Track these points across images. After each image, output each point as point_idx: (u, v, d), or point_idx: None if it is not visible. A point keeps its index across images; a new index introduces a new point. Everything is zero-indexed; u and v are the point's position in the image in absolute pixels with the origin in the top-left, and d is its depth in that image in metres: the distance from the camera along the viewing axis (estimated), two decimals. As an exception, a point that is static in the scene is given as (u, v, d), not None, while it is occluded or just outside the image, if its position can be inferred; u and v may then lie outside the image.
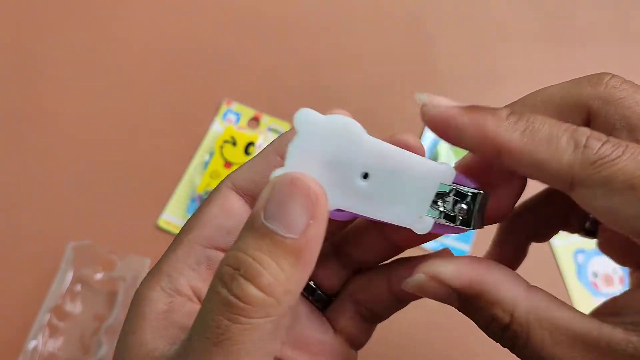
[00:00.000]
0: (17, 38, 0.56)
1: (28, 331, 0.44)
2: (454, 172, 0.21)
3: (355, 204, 0.20)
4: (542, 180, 0.19)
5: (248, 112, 0.52)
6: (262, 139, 0.50)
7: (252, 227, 0.18)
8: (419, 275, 0.20)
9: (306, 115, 0.20)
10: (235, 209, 0.23)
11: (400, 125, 0.51)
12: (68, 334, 0.44)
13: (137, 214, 0.48)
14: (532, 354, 0.19)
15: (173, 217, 0.48)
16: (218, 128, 0.51)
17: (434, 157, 0.50)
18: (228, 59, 0.55)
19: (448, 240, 0.46)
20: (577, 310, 0.19)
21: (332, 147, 0.19)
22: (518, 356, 0.20)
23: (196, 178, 0.49)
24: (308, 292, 0.25)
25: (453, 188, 0.21)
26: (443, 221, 0.21)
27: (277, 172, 0.18)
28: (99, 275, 0.45)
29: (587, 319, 0.19)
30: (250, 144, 0.50)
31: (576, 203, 0.19)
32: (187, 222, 0.23)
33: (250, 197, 0.23)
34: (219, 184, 0.24)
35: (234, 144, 0.50)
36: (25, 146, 0.52)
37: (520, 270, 0.24)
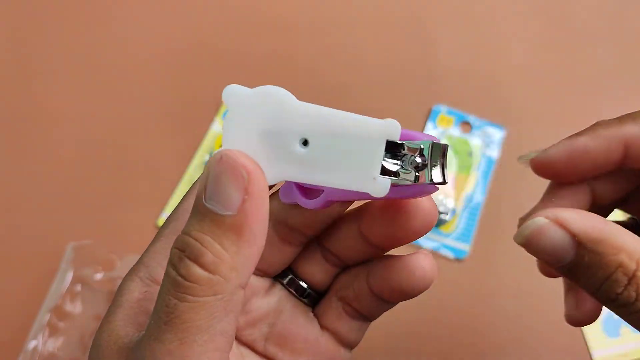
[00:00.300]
0: (17, 38, 0.56)
1: (28, 331, 0.44)
2: (398, 127, 0.19)
3: (299, 172, 0.19)
4: None
5: (248, 112, 0.52)
6: (262, 139, 0.50)
7: (196, 209, 0.18)
8: (539, 219, 0.19)
9: (233, 90, 0.20)
10: None
11: (401, 124, 0.51)
12: (68, 334, 0.44)
13: (137, 214, 0.48)
14: None
15: (173, 217, 0.48)
16: (218, 128, 0.51)
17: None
18: (228, 59, 0.55)
19: (448, 240, 0.46)
20: None
21: (264, 118, 0.19)
22: (631, 318, 0.19)
23: (196, 178, 0.49)
24: (295, 289, 0.25)
25: (402, 143, 0.19)
26: (399, 181, 0.19)
27: (214, 152, 0.18)
28: (99, 275, 0.45)
29: None
30: (250, 144, 0.50)
31: None
32: (167, 218, 0.23)
33: None
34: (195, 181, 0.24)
35: (234, 144, 0.50)
36: (25, 146, 0.52)
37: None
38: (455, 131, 0.51)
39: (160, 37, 0.56)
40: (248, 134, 0.19)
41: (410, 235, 0.22)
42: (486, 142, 0.50)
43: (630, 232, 0.19)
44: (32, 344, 0.43)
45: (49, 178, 0.50)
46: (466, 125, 0.51)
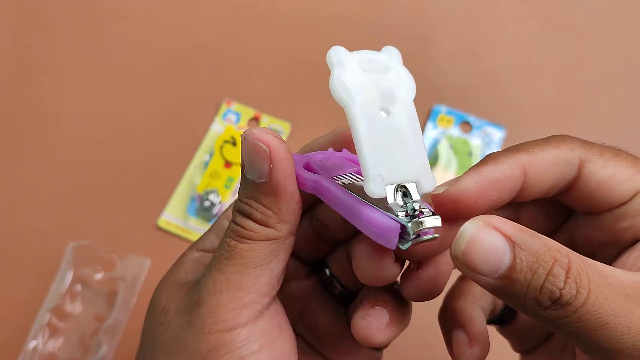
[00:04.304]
0: (17, 38, 0.56)
1: (28, 331, 0.44)
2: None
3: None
4: (557, 178, 0.22)
5: (248, 112, 0.52)
6: (262, 139, 0.50)
7: (242, 181, 0.23)
8: (473, 224, 0.19)
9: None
10: None
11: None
12: (68, 334, 0.44)
13: (137, 214, 0.48)
14: (596, 299, 0.18)
15: (173, 217, 0.48)
16: (218, 128, 0.51)
17: (435, 157, 0.50)
18: (228, 59, 0.55)
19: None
20: (601, 262, 0.19)
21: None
22: (574, 318, 0.18)
23: (196, 178, 0.49)
24: (328, 284, 0.27)
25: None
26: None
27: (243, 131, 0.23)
28: (99, 275, 0.45)
29: (620, 269, 0.20)
30: (250, 144, 0.50)
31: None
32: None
33: None
34: None
35: (234, 144, 0.50)
36: (25, 146, 0.52)
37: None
38: (455, 131, 0.51)
39: (161, 38, 0.56)
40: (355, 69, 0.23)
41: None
42: (486, 142, 0.50)
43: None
44: (32, 344, 0.43)
45: (49, 178, 0.50)
46: (466, 125, 0.51)
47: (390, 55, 0.23)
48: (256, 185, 0.22)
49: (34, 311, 0.44)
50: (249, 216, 0.22)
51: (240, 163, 0.23)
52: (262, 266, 0.22)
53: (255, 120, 0.52)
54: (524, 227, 0.19)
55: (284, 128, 0.51)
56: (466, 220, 0.19)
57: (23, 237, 0.48)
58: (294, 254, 0.26)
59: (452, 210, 0.22)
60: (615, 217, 0.23)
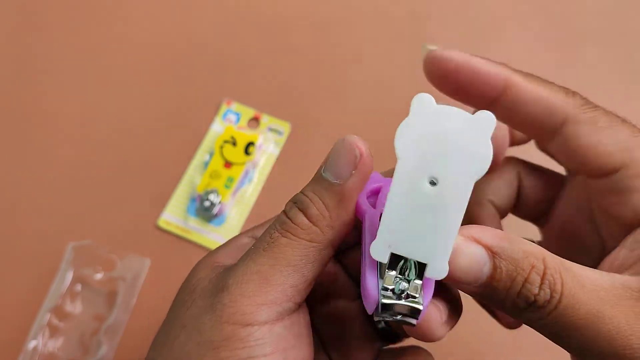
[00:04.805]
0: (17, 38, 0.56)
1: (28, 331, 0.44)
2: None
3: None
4: (537, 116, 0.23)
5: (248, 112, 0.52)
6: (262, 139, 0.50)
7: (314, 177, 0.23)
8: (456, 238, 0.20)
9: (423, 98, 0.21)
10: None
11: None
12: (68, 334, 0.44)
13: (137, 214, 0.48)
14: (568, 303, 0.19)
15: (173, 217, 0.48)
16: (218, 128, 0.51)
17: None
18: (228, 59, 0.55)
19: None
20: (582, 265, 0.20)
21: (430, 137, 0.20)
22: (549, 320, 0.19)
23: (196, 178, 0.49)
24: (374, 320, 0.27)
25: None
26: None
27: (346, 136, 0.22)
28: (99, 275, 0.45)
29: (595, 270, 0.20)
30: (250, 144, 0.50)
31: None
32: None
33: None
34: None
35: (234, 144, 0.50)
36: (25, 146, 0.52)
37: None
38: (455, 131, 0.51)
39: (161, 37, 0.56)
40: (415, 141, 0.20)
41: None
42: (486, 142, 0.50)
43: (525, 239, 0.20)
44: (32, 344, 0.43)
45: (49, 178, 0.50)
46: (466, 125, 0.51)
47: (480, 124, 0.19)
48: (328, 184, 0.22)
49: (34, 311, 0.44)
50: (304, 210, 0.22)
51: (321, 164, 0.23)
52: (295, 266, 0.22)
53: (255, 120, 0.52)
54: (504, 234, 0.20)
55: (284, 128, 0.51)
56: None
57: (23, 237, 0.48)
58: (352, 274, 0.26)
59: (431, 71, 0.24)
60: (597, 188, 0.23)
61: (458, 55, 0.23)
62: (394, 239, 0.19)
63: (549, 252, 0.20)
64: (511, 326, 0.28)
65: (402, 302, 0.20)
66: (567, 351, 0.20)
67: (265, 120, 0.51)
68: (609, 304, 0.19)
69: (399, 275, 0.20)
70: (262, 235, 0.23)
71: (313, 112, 0.52)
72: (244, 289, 0.21)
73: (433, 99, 0.20)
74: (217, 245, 0.27)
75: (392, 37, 0.56)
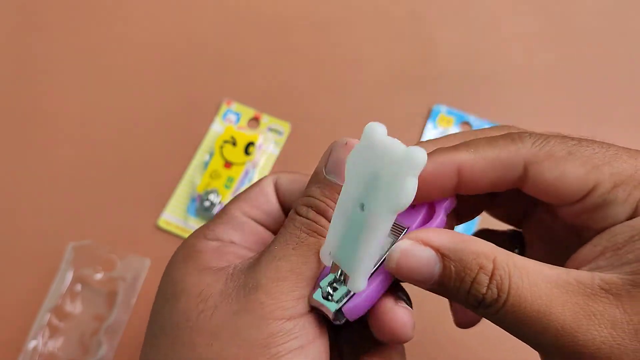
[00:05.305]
0: (17, 38, 0.56)
1: (28, 331, 0.44)
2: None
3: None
4: (497, 178, 0.23)
5: (248, 112, 0.52)
6: (262, 139, 0.50)
7: (317, 180, 0.24)
8: (403, 242, 0.21)
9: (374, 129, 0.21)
10: (271, 198, 0.28)
11: (400, 124, 0.51)
12: (68, 334, 0.44)
13: (137, 214, 0.48)
14: (515, 301, 0.20)
15: (173, 217, 0.48)
16: (218, 128, 0.51)
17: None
18: (228, 59, 0.55)
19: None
20: (539, 262, 0.21)
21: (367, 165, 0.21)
22: (499, 316, 0.20)
23: (196, 178, 0.49)
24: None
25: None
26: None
27: (341, 139, 0.24)
28: (99, 275, 0.45)
29: (554, 266, 0.21)
30: (250, 144, 0.50)
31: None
32: (235, 197, 0.28)
33: (282, 197, 0.28)
34: (264, 176, 0.29)
35: (234, 144, 0.50)
36: (25, 146, 0.52)
37: None
38: (455, 131, 0.51)
39: (161, 37, 0.56)
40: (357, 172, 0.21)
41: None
42: (486, 142, 0.50)
43: (481, 239, 0.21)
44: (32, 344, 0.43)
45: (49, 178, 0.50)
46: (466, 126, 0.51)
47: (410, 160, 0.19)
48: (335, 186, 0.24)
49: (34, 311, 0.44)
50: (323, 213, 0.24)
51: (320, 162, 0.25)
52: (319, 263, 0.23)
53: (255, 120, 0.52)
54: (456, 235, 0.21)
55: (284, 128, 0.51)
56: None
57: (23, 237, 0.48)
58: None
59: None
60: (575, 211, 0.23)
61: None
62: (333, 248, 0.22)
63: (502, 251, 0.21)
64: (461, 326, 0.30)
65: (320, 302, 0.23)
66: (525, 343, 0.21)
67: (265, 120, 0.51)
68: (559, 301, 0.20)
69: (339, 280, 0.23)
70: (286, 235, 0.24)
71: (313, 112, 0.52)
72: (282, 286, 0.22)
73: (384, 129, 0.20)
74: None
75: (392, 37, 0.56)
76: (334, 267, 0.23)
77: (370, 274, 0.22)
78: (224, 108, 0.52)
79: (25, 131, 0.52)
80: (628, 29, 0.56)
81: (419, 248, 0.21)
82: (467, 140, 0.24)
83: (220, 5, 0.57)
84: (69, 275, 0.45)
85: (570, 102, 0.52)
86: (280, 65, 0.55)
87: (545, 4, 0.57)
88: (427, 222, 0.24)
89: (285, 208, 0.28)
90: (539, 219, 0.28)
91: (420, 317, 0.43)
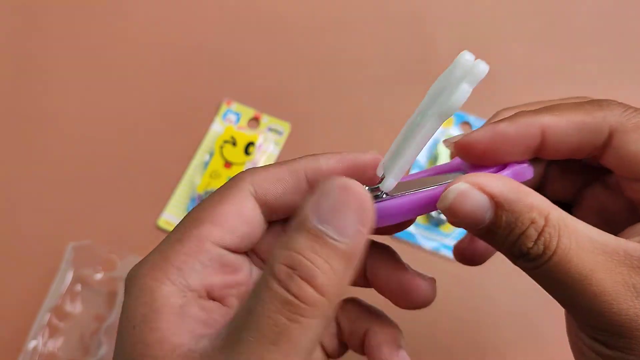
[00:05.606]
0: (17, 38, 0.56)
1: (28, 331, 0.44)
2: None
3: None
4: (582, 143, 0.23)
5: (248, 112, 0.52)
6: (262, 139, 0.50)
7: (304, 228, 0.18)
8: (461, 184, 0.20)
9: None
10: (252, 216, 0.23)
11: (400, 124, 0.51)
12: (68, 334, 0.44)
13: (137, 214, 0.48)
14: (559, 260, 0.20)
15: (173, 217, 0.48)
16: (218, 128, 0.51)
17: (434, 157, 0.50)
18: (228, 59, 0.55)
19: (448, 240, 0.46)
20: (590, 225, 0.21)
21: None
22: (540, 271, 0.20)
23: (196, 178, 0.49)
24: None
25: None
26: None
27: (334, 179, 0.20)
28: (99, 275, 0.45)
29: (604, 233, 0.21)
30: (250, 144, 0.50)
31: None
32: (194, 212, 0.22)
33: (268, 207, 0.23)
34: (236, 180, 0.23)
35: (234, 144, 0.50)
36: (25, 146, 0.52)
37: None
38: (455, 131, 0.51)
39: (161, 37, 0.56)
40: None
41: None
42: (486, 142, 0.50)
43: (538, 193, 0.21)
44: (32, 344, 0.43)
45: (49, 178, 0.50)
46: (466, 126, 0.51)
47: (471, 68, 0.21)
48: (331, 242, 0.18)
49: (34, 311, 0.44)
50: (309, 280, 0.18)
51: (307, 204, 0.19)
52: (309, 352, 0.18)
53: (255, 120, 0.52)
54: (513, 184, 0.21)
55: (284, 128, 0.51)
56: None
57: (23, 237, 0.48)
58: None
59: (466, 157, 0.24)
60: None
61: (482, 134, 0.23)
62: (387, 157, 0.23)
63: (556, 208, 0.20)
64: (463, 262, 0.30)
65: (369, 192, 0.22)
66: (557, 302, 0.21)
67: (265, 120, 0.51)
68: (602, 267, 0.20)
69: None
70: (261, 321, 0.18)
71: (313, 112, 0.52)
72: None
73: (472, 57, 0.21)
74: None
75: (392, 37, 0.56)
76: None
77: (401, 176, 0.22)
78: (224, 108, 0.52)
79: (25, 131, 0.52)
80: (628, 29, 0.56)
81: (475, 193, 0.20)
82: (549, 105, 0.24)
83: (220, 6, 0.57)
84: (69, 275, 0.45)
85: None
86: (280, 65, 0.55)
87: (545, 4, 0.57)
88: None
89: (273, 214, 0.23)
90: (594, 193, 0.27)
91: (420, 317, 0.43)
